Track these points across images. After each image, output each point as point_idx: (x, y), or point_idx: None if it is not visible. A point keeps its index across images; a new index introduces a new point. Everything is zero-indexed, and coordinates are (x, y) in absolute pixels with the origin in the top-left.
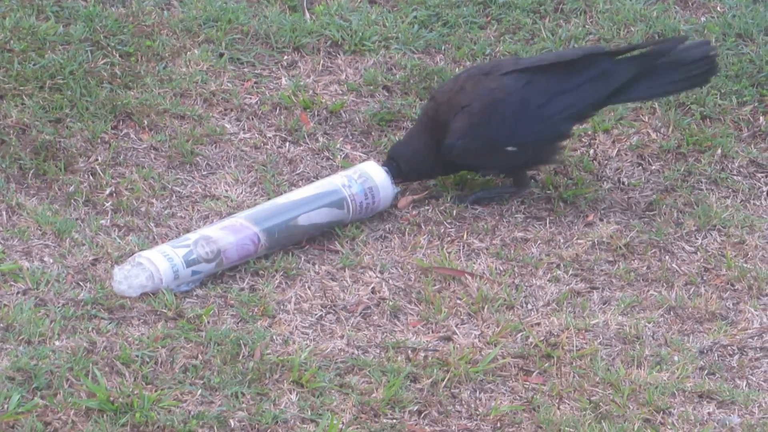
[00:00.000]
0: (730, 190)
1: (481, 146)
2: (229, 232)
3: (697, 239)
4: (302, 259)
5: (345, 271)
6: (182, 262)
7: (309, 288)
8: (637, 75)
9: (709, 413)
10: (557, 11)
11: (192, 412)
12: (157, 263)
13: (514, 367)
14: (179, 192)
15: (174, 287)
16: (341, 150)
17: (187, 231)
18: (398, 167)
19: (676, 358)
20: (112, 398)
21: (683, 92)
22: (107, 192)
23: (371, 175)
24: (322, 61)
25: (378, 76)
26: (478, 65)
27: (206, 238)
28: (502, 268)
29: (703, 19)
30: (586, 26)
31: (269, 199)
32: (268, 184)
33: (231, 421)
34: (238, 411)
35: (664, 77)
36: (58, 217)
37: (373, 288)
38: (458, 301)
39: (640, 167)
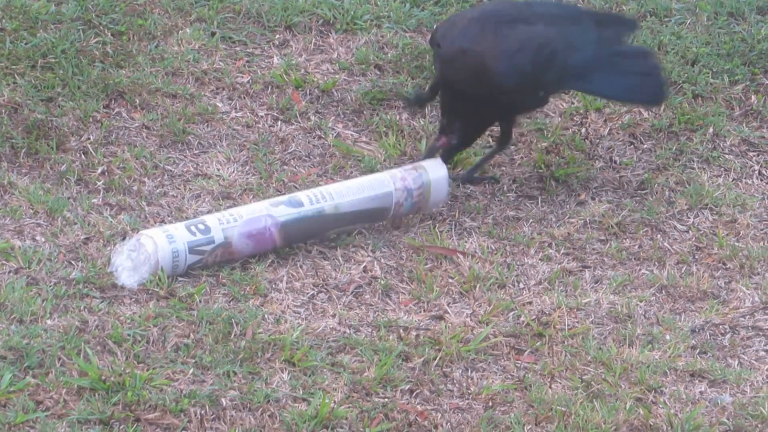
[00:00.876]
0: (722, 169)
1: (530, 86)
2: (252, 244)
3: (689, 218)
4: None
5: (337, 250)
6: (185, 266)
7: (301, 267)
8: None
9: (700, 392)
10: None
11: (184, 391)
12: (163, 263)
13: (506, 346)
14: (171, 171)
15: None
16: (333, 129)
17: (180, 210)
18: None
19: (667, 337)
20: (103, 377)
21: (638, 103)
22: (99, 171)
23: (431, 193)
24: (313, 40)
25: (370, 54)
26: (481, 9)
27: (227, 247)
28: (493, 247)
29: None
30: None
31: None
32: (260, 163)
33: (223, 399)
34: (230, 390)
35: (624, 77)
36: (50, 196)
37: (364, 267)
38: (450, 280)
39: (632, 146)
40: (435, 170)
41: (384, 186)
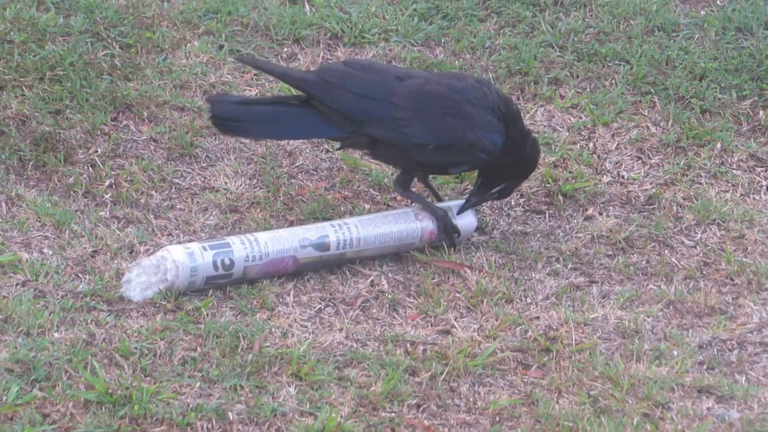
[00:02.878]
0: (730, 185)
1: None
2: (265, 275)
3: (697, 233)
4: None
5: (344, 264)
6: (195, 289)
7: (308, 281)
8: None
9: (708, 408)
10: (557, 4)
11: (190, 405)
12: (176, 287)
13: (513, 360)
14: (179, 184)
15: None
16: None
17: (187, 224)
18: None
19: (675, 353)
20: (110, 390)
21: None
22: (107, 184)
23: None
24: (321, 54)
25: None
26: (451, 80)
27: (241, 279)
28: (501, 262)
29: (702, 12)
30: (586, 19)
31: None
32: (267, 177)
33: (229, 414)
34: (237, 404)
35: None
36: (58, 208)
37: (372, 281)
38: (457, 295)
39: (640, 161)
40: (465, 224)
41: (411, 239)
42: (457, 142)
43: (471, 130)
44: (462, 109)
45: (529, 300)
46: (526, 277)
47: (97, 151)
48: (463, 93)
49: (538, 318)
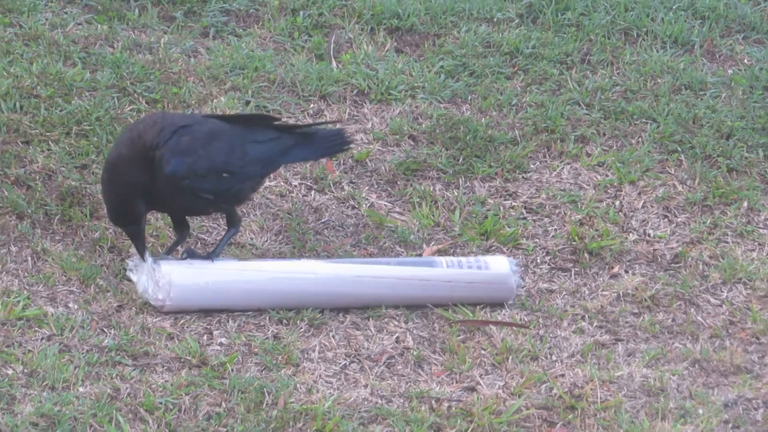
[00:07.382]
0: (756, 243)
1: (205, 169)
2: None
3: (723, 292)
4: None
5: (369, 321)
6: None
7: (333, 337)
8: (297, 143)
9: None
10: (584, 62)
11: None
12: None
13: (538, 418)
14: (204, 239)
15: None
16: (366, 199)
17: None
18: None
19: (700, 411)
20: None
21: (329, 156)
22: None
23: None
24: (348, 110)
25: (404, 125)
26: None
27: None
28: (526, 319)
29: (730, 71)
30: (613, 77)
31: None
32: (293, 233)
33: None
34: None
35: (316, 145)
36: (83, 263)
37: (397, 337)
38: (482, 352)
39: (666, 219)
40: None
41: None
42: None
43: None
44: None
45: (554, 357)
46: (551, 335)
47: None
48: None
49: (563, 376)
